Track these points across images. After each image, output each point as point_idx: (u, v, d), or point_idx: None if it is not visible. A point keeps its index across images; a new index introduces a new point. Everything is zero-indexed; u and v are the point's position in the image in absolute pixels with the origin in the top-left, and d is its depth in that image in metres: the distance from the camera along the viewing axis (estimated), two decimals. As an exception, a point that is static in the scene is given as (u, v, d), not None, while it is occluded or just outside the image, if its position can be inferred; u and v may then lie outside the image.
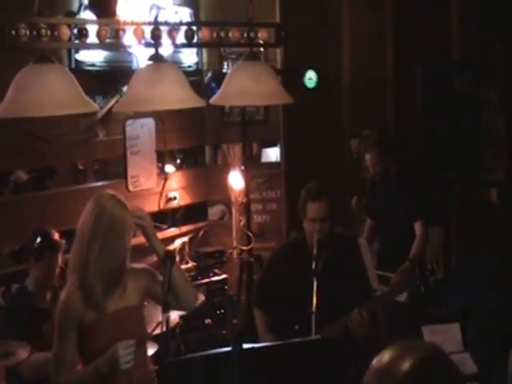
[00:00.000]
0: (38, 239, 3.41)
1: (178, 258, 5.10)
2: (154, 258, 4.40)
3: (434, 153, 5.13)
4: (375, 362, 1.31)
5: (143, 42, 3.64)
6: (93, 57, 4.90)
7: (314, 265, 3.14)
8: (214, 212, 5.58)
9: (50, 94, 3.06)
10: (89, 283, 2.62)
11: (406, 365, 1.25)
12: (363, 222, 5.00)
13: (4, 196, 5.08)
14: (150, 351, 3.06)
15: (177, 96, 3.49)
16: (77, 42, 3.52)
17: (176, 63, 4.91)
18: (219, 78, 4.82)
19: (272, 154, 5.98)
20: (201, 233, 5.47)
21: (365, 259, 3.60)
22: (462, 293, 4.73)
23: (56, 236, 3.51)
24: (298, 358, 2.30)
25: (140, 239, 2.90)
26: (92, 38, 3.57)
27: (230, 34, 3.97)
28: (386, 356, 1.30)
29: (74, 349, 2.62)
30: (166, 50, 4.05)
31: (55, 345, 2.64)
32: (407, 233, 4.38)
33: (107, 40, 3.59)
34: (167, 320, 2.40)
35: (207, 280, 4.96)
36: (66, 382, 2.63)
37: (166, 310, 2.41)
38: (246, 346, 2.14)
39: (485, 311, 3.94)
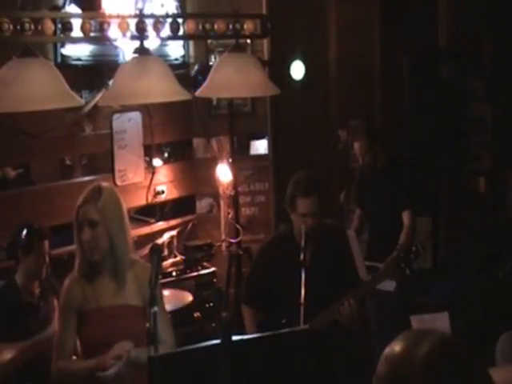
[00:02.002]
0: (24, 231, 3.40)
1: (166, 252, 5.12)
2: (144, 251, 4.42)
3: (422, 142, 5.14)
4: (389, 351, 1.29)
5: (128, 34, 3.62)
6: (79, 51, 4.87)
7: (301, 256, 3.13)
8: (202, 205, 5.57)
9: (34, 88, 3.04)
10: (86, 271, 2.66)
11: (423, 348, 1.24)
12: (352, 212, 5.01)
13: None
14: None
15: (162, 89, 3.48)
16: (61, 36, 3.52)
17: (162, 56, 4.89)
18: (206, 70, 4.81)
19: (260, 147, 5.97)
20: (189, 226, 5.46)
21: (353, 250, 3.60)
22: (451, 282, 4.75)
23: (40, 225, 3.51)
24: (286, 349, 2.30)
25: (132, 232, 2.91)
26: (76, 32, 3.55)
27: (216, 26, 3.96)
28: (400, 343, 1.28)
29: (75, 334, 2.68)
30: (152, 43, 4.04)
31: (58, 329, 2.71)
32: (396, 222, 4.39)
33: (92, 33, 3.58)
34: (154, 315, 2.39)
35: (196, 273, 4.95)
36: (66, 368, 2.67)
37: (152, 305, 2.40)
38: (234, 338, 2.13)
39: (473, 299, 3.96)
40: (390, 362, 1.27)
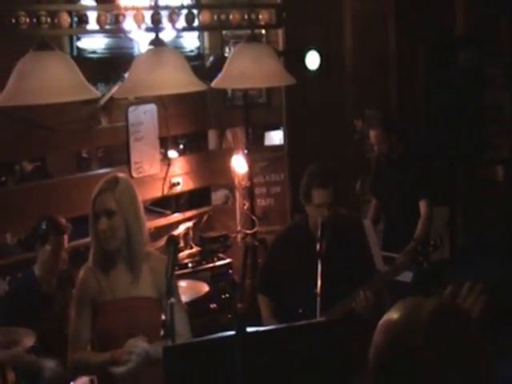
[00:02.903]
0: (44, 224, 3.44)
1: (182, 243, 5.12)
2: (161, 243, 4.43)
3: (439, 131, 5.09)
4: (386, 318, 1.24)
5: (143, 26, 3.63)
6: (94, 44, 4.89)
7: (318, 246, 3.12)
8: (217, 197, 5.57)
9: (51, 81, 3.05)
10: (101, 262, 2.66)
11: (423, 313, 1.20)
12: (367, 202, 4.99)
13: (9, 186, 5.10)
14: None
15: (178, 80, 3.47)
16: (77, 28, 3.53)
17: (177, 48, 4.89)
18: (221, 62, 4.80)
19: (275, 137, 5.96)
20: (205, 218, 5.47)
21: (370, 240, 3.59)
22: (469, 272, 4.72)
23: (62, 219, 3.53)
24: (302, 341, 2.29)
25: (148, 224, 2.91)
26: (92, 25, 3.56)
27: (231, 17, 3.95)
28: (398, 311, 1.24)
29: (89, 326, 2.67)
30: (167, 34, 4.04)
31: (73, 320, 2.70)
32: (412, 212, 4.36)
33: (107, 26, 3.59)
34: (171, 306, 2.40)
35: (211, 265, 4.96)
36: (81, 359, 2.67)
37: (169, 296, 2.40)
38: (250, 329, 2.13)
39: (491, 289, 3.91)
40: (389, 330, 1.22)
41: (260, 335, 2.24)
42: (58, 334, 3.26)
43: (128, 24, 3.65)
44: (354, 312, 3.11)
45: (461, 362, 1.17)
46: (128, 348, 2.55)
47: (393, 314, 1.24)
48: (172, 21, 3.78)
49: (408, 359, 1.17)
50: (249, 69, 3.74)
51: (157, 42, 3.55)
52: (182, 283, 3.93)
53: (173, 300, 2.42)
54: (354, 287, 3.13)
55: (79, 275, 2.72)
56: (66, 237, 3.51)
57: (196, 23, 3.87)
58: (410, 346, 1.18)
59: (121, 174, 2.78)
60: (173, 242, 2.58)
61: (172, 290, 2.43)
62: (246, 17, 3.96)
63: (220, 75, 3.93)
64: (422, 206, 4.34)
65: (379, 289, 3.25)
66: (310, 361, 2.26)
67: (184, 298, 3.23)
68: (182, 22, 3.85)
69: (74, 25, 3.48)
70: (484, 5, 5.40)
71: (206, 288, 4.08)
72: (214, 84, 3.95)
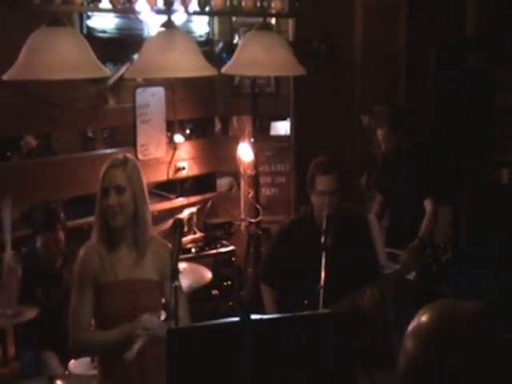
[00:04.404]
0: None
1: (185, 228, 5.11)
2: (164, 226, 4.42)
3: (446, 131, 5.07)
4: (420, 323, 1.16)
5: (155, 8, 3.60)
6: (104, 23, 4.87)
7: (323, 239, 3.11)
8: (222, 183, 5.57)
9: (61, 57, 3.02)
10: (106, 239, 2.64)
11: (464, 318, 1.13)
12: (372, 198, 4.97)
13: (14, 161, 5.08)
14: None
15: (189, 64, 3.45)
16: (89, 6, 3.49)
17: (187, 32, 4.86)
18: (230, 48, 4.78)
19: (281, 128, 5.94)
20: (209, 204, 5.46)
21: (374, 235, 3.57)
22: (471, 273, 4.71)
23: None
24: (306, 331, 2.28)
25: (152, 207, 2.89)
26: (105, 3, 3.53)
27: (243, 3, 3.92)
28: (431, 315, 1.15)
29: (91, 305, 2.63)
30: (178, 18, 4.01)
31: (74, 299, 2.65)
32: (417, 210, 4.35)
33: (119, 6, 3.56)
34: (175, 289, 2.39)
35: (215, 251, 4.97)
36: (86, 339, 2.63)
37: (173, 279, 2.39)
38: (254, 317, 2.12)
39: (494, 292, 3.92)
40: (422, 336, 1.14)
41: (264, 323, 2.23)
42: (63, 311, 3.25)
43: (140, 5, 3.63)
44: (358, 308, 3.10)
45: (501, 373, 1.11)
46: (144, 323, 2.52)
47: (425, 319, 1.17)
48: (184, 4, 3.76)
49: (445, 370, 1.11)
50: (259, 56, 3.72)
51: (169, 25, 3.52)
52: (184, 265, 3.92)
53: (177, 283, 2.41)
54: (357, 281, 3.13)
55: (80, 253, 2.67)
56: (59, 230, 3.48)
57: (208, 8, 3.85)
58: (448, 356, 1.11)
59: (128, 154, 2.76)
60: (179, 225, 2.57)
61: (177, 273, 2.42)
62: (258, 4, 3.94)
63: (230, 62, 3.90)
64: (428, 204, 4.32)
65: (385, 286, 3.25)
66: (313, 352, 2.25)
67: (186, 283, 3.22)
68: (194, 6, 3.82)
69: (86, 2, 3.46)
70: (495, 6, 5.37)
71: (208, 274, 4.06)
72: (223, 70, 3.92)
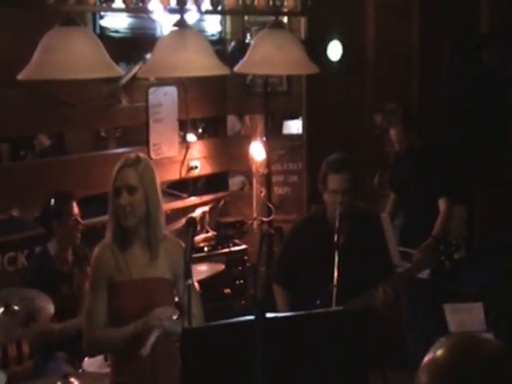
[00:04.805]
0: (52, 200, 3.44)
1: (198, 227, 5.12)
2: (177, 225, 4.43)
3: (459, 129, 5.05)
4: (435, 357, 1.11)
5: (168, 7, 3.61)
6: (117, 23, 4.90)
7: (335, 238, 3.10)
8: (234, 182, 5.57)
9: (75, 56, 3.04)
10: (120, 239, 2.64)
11: (482, 355, 1.09)
12: (385, 197, 4.95)
13: (28, 160, 5.11)
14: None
15: (202, 63, 3.45)
16: (103, 6, 3.51)
17: (199, 32, 4.86)
18: (242, 47, 4.78)
19: (293, 127, 5.93)
20: (221, 203, 5.47)
21: (387, 234, 3.57)
22: (485, 272, 4.69)
23: (64, 190, 3.54)
24: (319, 329, 2.28)
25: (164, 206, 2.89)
26: (118, 3, 3.55)
27: (256, 2, 3.92)
28: (447, 350, 1.10)
29: (105, 304, 2.63)
30: (189, 18, 4.02)
31: (88, 298, 2.67)
32: (430, 209, 4.32)
33: (132, 6, 3.57)
34: (189, 287, 2.39)
35: (227, 250, 4.98)
36: (101, 338, 2.64)
37: (187, 277, 2.39)
38: (268, 315, 2.12)
39: (508, 289, 3.90)
40: (438, 372, 1.09)
41: (278, 321, 2.23)
42: (76, 311, 3.27)
43: (153, 4, 3.64)
44: (371, 307, 3.10)
45: None
46: (158, 315, 2.53)
47: (441, 353, 1.13)
48: (197, 3, 3.76)
49: None
50: (272, 55, 3.72)
51: (181, 24, 3.53)
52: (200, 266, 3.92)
53: (190, 282, 2.41)
54: (370, 280, 3.12)
55: (94, 252, 2.68)
56: (74, 203, 3.49)
57: (220, 7, 3.86)
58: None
59: (141, 154, 2.77)
60: (192, 223, 2.57)
61: (190, 272, 2.42)
62: (270, 3, 3.94)
63: (243, 60, 3.90)
64: (442, 203, 4.30)
65: (398, 285, 3.24)
66: (326, 350, 2.25)
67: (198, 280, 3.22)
68: (206, 5, 3.83)
69: (100, 2, 3.47)
70: (509, 4, 5.34)
71: (222, 269, 4.05)
72: (236, 69, 3.92)
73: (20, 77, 3.07)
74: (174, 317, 2.56)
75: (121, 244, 2.66)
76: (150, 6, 3.64)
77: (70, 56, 3.01)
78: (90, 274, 2.69)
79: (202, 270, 3.98)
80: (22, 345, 2.93)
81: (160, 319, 2.53)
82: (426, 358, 1.14)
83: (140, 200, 2.61)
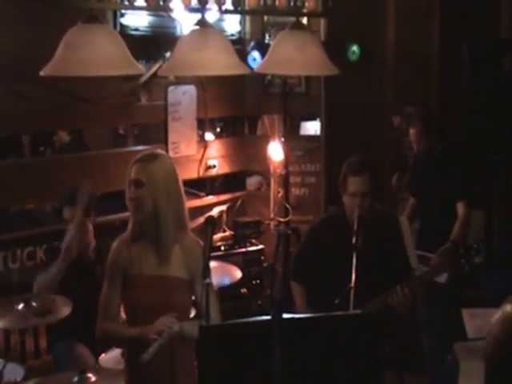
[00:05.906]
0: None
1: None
2: (194, 224, 4.43)
3: (478, 133, 5.02)
4: (508, 309, 1.24)
5: (189, 6, 3.62)
6: (137, 21, 4.91)
7: (354, 240, 3.09)
8: (251, 182, 5.57)
9: (97, 53, 3.06)
10: (136, 232, 2.66)
11: None
12: (403, 199, 4.93)
13: (47, 156, 5.14)
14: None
15: (222, 62, 3.46)
16: (124, 4, 3.53)
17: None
18: (262, 47, 4.78)
19: (310, 128, 5.92)
20: (239, 202, 5.47)
21: (405, 237, 3.55)
22: (503, 277, 4.65)
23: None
24: (335, 332, 2.27)
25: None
26: (139, 1, 3.57)
27: (277, 2, 3.92)
28: None
29: (119, 296, 2.67)
30: (210, 17, 4.03)
31: (104, 288, 2.70)
32: (449, 213, 4.30)
33: (154, 4, 3.59)
34: (207, 286, 2.38)
35: (244, 249, 4.99)
36: (109, 331, 2.67)
37: (205, 276, 2.39)
38: (285, 315, 2.12)
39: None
40: (510, 323, 1.20)
41: (295, 322, 2.23)
42: (96, 305, 3.27)
43: (174, 3, 3.65)
44: (389, 308, 3.08)
45: None
46: (158, 327, 2.54)
47: (510, 308, 1.24)
48: (219, 3, 3.77)
49: None
50: (292, 56, 3.72)
51: (203, 23, 3.53)
52: (215, 264, 3.92)
53: (208, 280, 2.41)
54: (388, 282, 3.11)
55: (112, 245, 2.73)
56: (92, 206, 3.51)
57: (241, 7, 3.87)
58: None
59: (162, 152, 2.77)
60: (211, 222, 2.56)
61: (208, 271, 2.41)
62: (291, 3, 3.94)
63: (263, 61, 3.91)
64: (460, 207, 4.28)
65: (415, 288, 3.22)
66: (342, 351, 2.24)
67: (216, 280, 3.22)
68: (228, 4, 3.84)
69: (120, 0, 3.50)
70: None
71: (238, 272, 4.06)
72: (257, 69, 3.94)
73: (42, 73, 3.09)
74: (175, 328, 2.55)
75: (136, 238, 2.68)
76: (172, 5, 3.66)
77: (92, 53, 3.04)
78: (107, 265, 2.72)
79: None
80: (39, 339, 2.94)
81: (159, 333, 2.52)
82: (497, 315, 1.28)
83: (145, 196, 2.60)
